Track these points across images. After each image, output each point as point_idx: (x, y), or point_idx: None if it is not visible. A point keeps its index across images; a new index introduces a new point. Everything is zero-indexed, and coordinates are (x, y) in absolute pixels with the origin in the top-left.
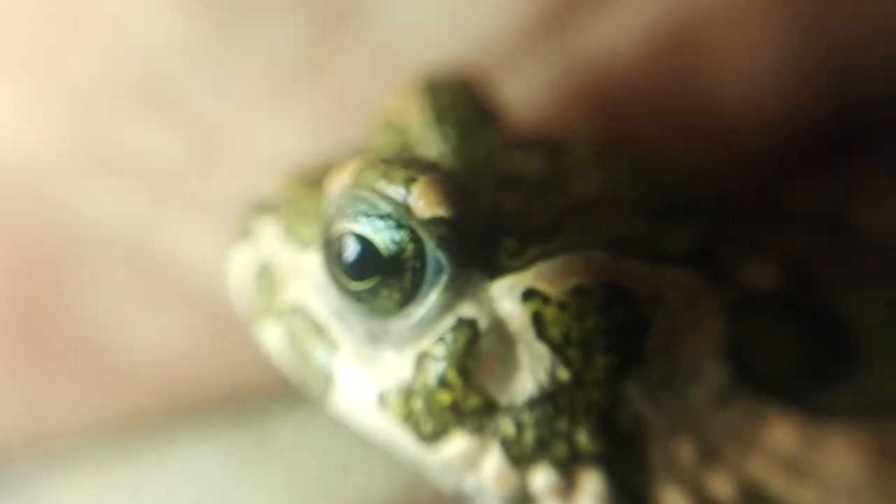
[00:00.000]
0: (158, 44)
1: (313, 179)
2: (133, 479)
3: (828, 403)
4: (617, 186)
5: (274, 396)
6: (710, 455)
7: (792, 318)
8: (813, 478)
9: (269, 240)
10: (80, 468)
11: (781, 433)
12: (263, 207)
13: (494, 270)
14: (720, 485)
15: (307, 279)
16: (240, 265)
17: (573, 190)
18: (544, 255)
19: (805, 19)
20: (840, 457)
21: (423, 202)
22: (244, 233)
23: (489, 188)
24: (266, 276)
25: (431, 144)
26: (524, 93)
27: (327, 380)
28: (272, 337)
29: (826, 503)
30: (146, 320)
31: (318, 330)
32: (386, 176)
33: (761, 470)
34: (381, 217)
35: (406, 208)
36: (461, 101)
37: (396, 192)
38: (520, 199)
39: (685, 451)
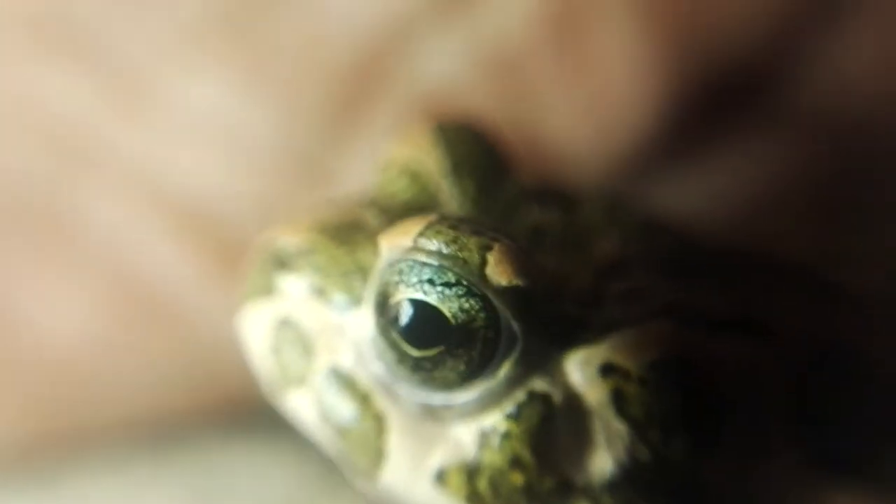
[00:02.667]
0: None
1: (336, 231)
2: None
3: (890, 472)
4: (634, 243)
5: (209, 416)
6: None
7: (857, 382)
8: None
9: (297, 299)
10: None
11: None
12: (285, 262)
13: (564, 342)
14: None
15: (346, 344)
16: (261, 327)
17: (596, 247)
18: (613, 326)
19: None
20: None
21: (500, 271)
22: (264, 290)
23: (520, 243)
24: (296, 340)
25: (450, 195)
26: (430, 69)
27: (376, 455)
28: (304, 407)
29: None
30: (51, 297)
31: (363, 400)
32: (457, 242)
33: None
34: (451, 284)
35: (481, 277)
36: (476, 151)
37: (470, 259)
38: (553, 258)
39: None
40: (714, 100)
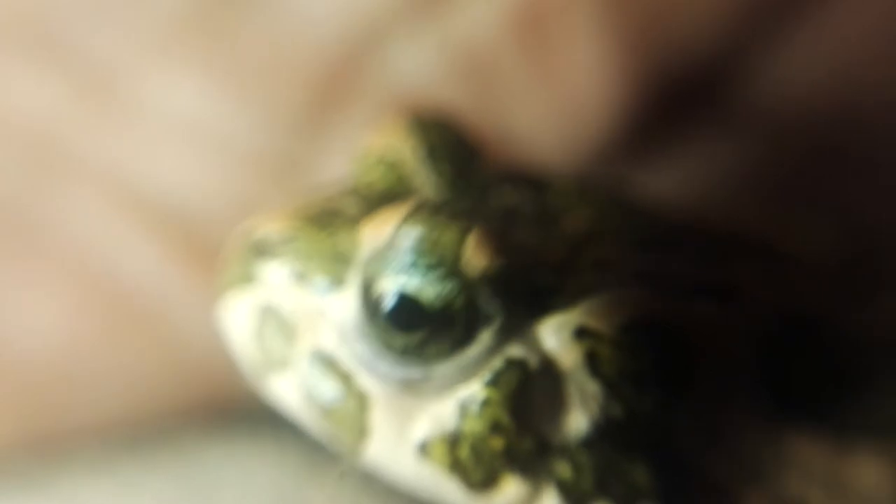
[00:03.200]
0: None
1: (317, 218)
2: None
3: (854, 421)
4: (604, 220)
5: (191, 414)
6: (751, 476)
7: (812, 340)
8: (847, 494)
9: (278, 285)
10: None
11: (815, 452)
12: (265, 250)
13: (538, 309)
14: None
15: (328, 326)
16: (242, 315)
17: (567, 224)
18: (584, 293)
19: None
20: (870, 472)
21: (478, 254)
22: (243, 278)
23: (495, 224)
24: (278, 325)
25: (426, 180)
26: (403, 69)
27: (360, 432)
28: (288, 390)
29: None
30: (29, 302)
31: (346, 379)
32: (435, 229)
33: (799, 488)
34: (430, 270)
35: (459, 262)
36: (449, 140)
37: (448, 244)
38: (526, 235)
39: (730, 474)
40: (674, 98)
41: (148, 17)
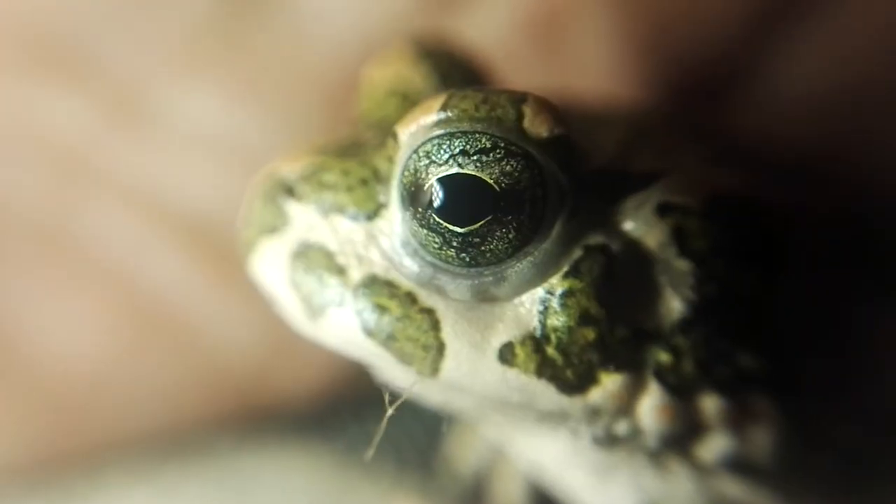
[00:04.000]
0: None
1: (340, 150)
2: None
3: None
4: (647, 131)
5: (223, 422)
6: (861, 370)
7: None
8: None
9: (312, 223)
10: None
11: None
12: (290, 190)
13: (611, 193)
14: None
15: (375, 252)
16: (278, 261)
17: (610, 132)
18: (658, 174)
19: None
20: None
21: (540, 121)
22: (272, 224)
23: None
24: (322, 262)
25: None
26: None
27: (434, 350)
28: (343, 327)
29: None
30: (60, 315)
31: (409, 298)
32: (487, 102)
33: None
34: (488, 150)
35: (520, 132)
36: (460, 63)
37: (505, 116)
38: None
39: (839, 366)
40: (684, 98)
41: (167, 31)
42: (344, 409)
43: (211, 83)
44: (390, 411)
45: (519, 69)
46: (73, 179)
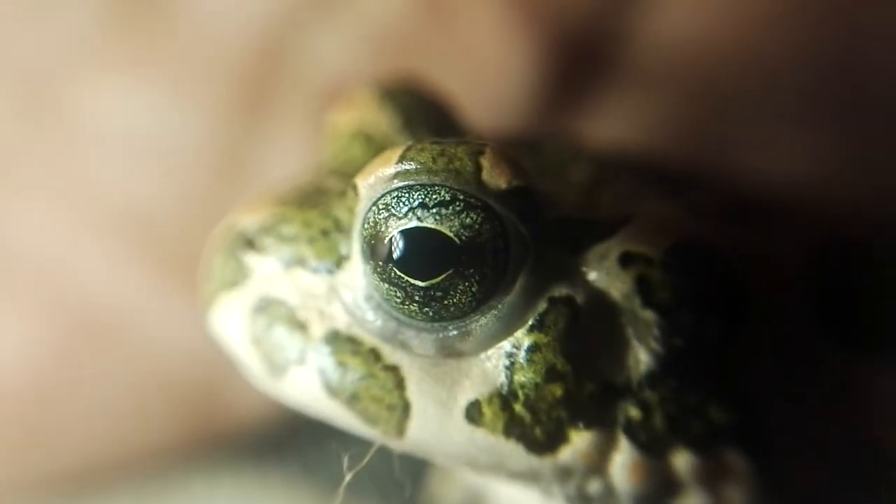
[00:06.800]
0: None
1: (301, 199)
2: None
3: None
4: (605, 169)
5: (172, 447)
6: (827, 418)
7: (858, 263)
8: None
9: (273, 276)
10: None
11: (886, 387)
12: (250, 243)
13: (574, 244)
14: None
15: (338, 307)
16: (238, 316)
17: (573, 173)
18: (620, 222)
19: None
20: None
21: (498, 173)
22: (232, 278)
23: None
24: (283, 318)
25: None
26: (324, 55)
27: (398, 409)
28: (305, 385)
29: None
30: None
31: (372, 355)
32: (444, 154)
33: (878, 430)
34: (447, 202)
35: (479, 184)
36: (424, 104)
37: (463, 168)
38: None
39: (805, 414)
40: (576, 60)
41: (69, 23)
42: (302, 429)
43: (121, 75)
44: (348, 478)
45: (419, 43)
46: None
